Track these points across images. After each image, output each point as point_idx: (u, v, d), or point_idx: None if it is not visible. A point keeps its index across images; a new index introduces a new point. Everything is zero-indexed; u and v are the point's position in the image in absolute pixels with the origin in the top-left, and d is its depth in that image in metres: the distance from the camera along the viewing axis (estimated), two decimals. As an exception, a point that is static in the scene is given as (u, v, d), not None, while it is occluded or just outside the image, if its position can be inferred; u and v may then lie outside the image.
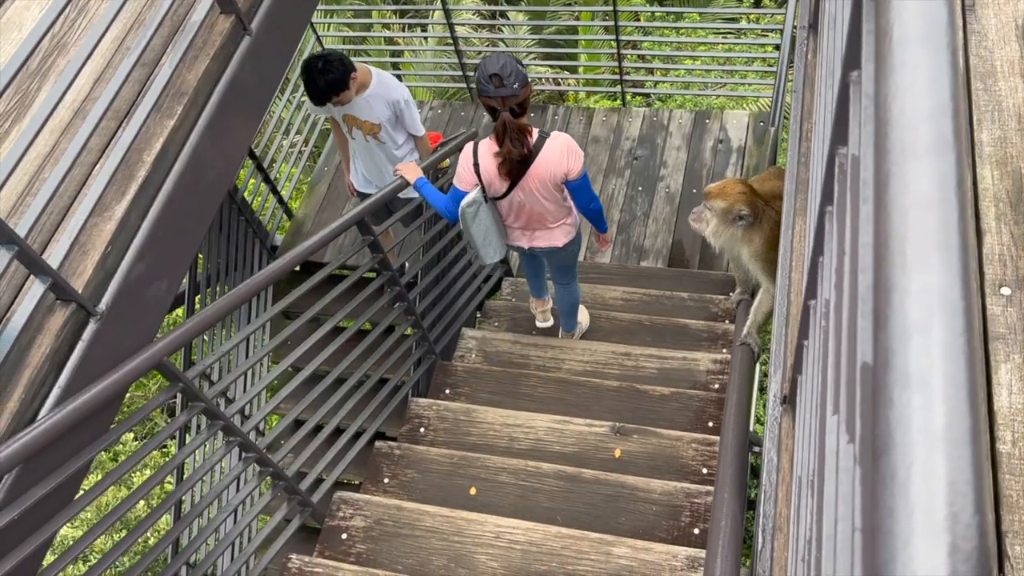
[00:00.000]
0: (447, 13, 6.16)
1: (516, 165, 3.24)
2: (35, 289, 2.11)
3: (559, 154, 3.28)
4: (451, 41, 6.55)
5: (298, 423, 4.60)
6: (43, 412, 2.07)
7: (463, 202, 3.39)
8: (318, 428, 3.46)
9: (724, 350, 4.31)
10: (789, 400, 1.66)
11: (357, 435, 3.69)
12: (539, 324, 4.58)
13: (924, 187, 0.59)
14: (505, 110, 3.08)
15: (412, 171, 3.64)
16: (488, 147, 3.28)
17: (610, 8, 5.61)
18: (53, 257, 2.15)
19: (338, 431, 3.61)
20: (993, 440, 1.57)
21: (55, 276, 2.07)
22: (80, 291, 2.16)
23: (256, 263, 5.97)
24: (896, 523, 0.47)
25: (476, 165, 3.31)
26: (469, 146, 3.37)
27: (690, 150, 5.84)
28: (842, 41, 1.50)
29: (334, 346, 3.34)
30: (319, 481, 3.46)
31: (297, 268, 5.91)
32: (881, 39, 0.69)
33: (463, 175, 3.37)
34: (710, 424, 3.77)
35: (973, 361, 0.52)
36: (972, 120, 1.98)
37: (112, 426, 2.32)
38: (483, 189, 3.39)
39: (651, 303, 4.80)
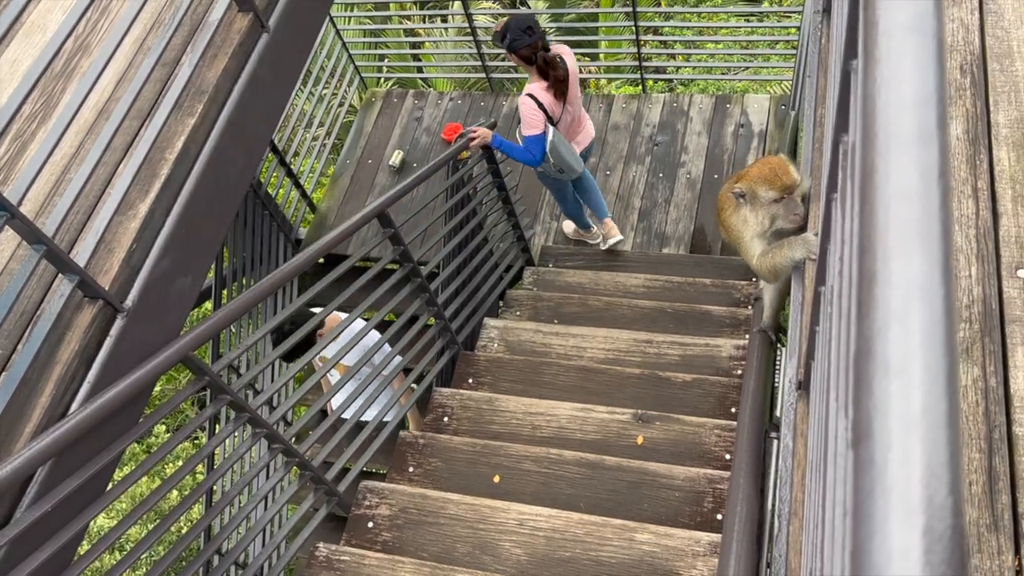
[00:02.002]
0: (465, 4, 6.17)
1: (561, 84, 4.00)
2: (63, 287, 2.17)
3: (570, 55, 4.11)
4: (470, 32, 6.56)
5: (324, 414, 4.66)
6: (74, 407, 2.13)
7: (552, 136, 4.07)
8: (343, 419, 3.51)
9: (747, 336, 4.30)
10: (804, 386, 1.67)
11: (381, 426, 3.74)
12: (612, 241, 5.06)
13: (906, 177, 0.60)
14: (541, 50, 3.91)
15: (485, 132, 4.20)
16: (539, 87, 4.01)
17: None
18: (80, 255, 2.20)
19: (361, 423, 3.66)
20: (1009, 422, 1.57)
21: (83, 274, 2.12)
22: (107, 288, 2.22)
23: (281, 256, 6.05)
24: (874, 504, 0.49)
25: (540, 105, 4.00)
26: (529, 98, 4.02)
27: (711, 135, 5.81)
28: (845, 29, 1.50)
29: (359, 336, 3.39)
30: (345, 471, 3.51)
31: (321, 260, 5.99)
32: (869, 29, 0.70)
33: (533, 120, 4.04)
34: (732, 410, 3.77)
35: (951, 348, 0.53)
36: (988, 101, 1.96)
37: (141, 419, 2.38)
38: (551, 122, 4.08)
39: (673, 290, 4.79)
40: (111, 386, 2.18)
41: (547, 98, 4.02)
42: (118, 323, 2.25)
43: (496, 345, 4.48)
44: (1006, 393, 1.59)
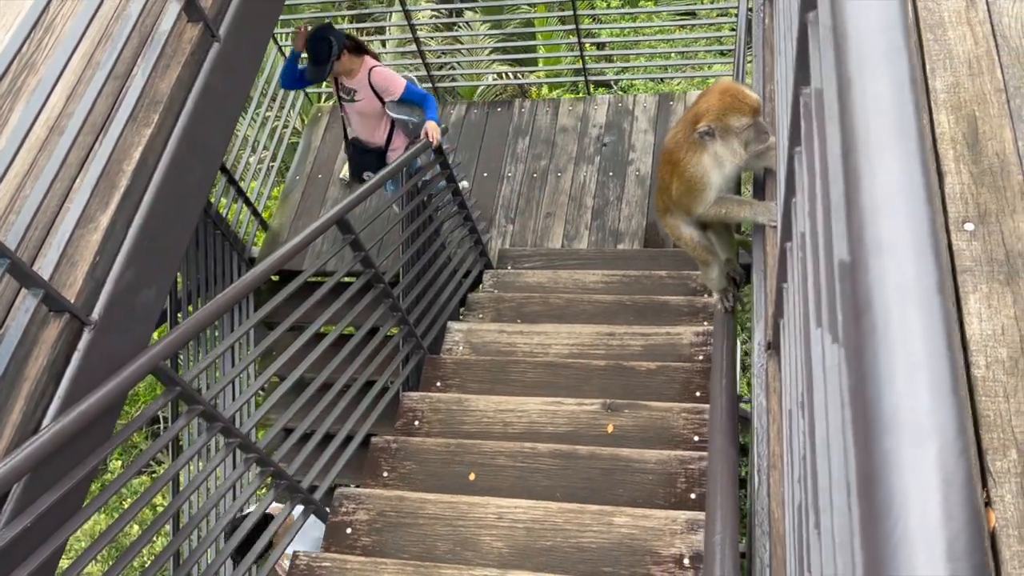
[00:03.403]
0: (407, 15, 6.21)
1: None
2: (28, 303, 2.13)
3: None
4: (412, 42, 6.60)
5: (287, 431, 4.62)
6: (46, 422, 2.10)
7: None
8: (308, 435, 3.49)
9: (705, 323, 4.39)
10: (773, 345, 1.73)
11: (348, 440, 3.72)
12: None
13: (881, 87, 0.65)
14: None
15: (431, 125, 4.42)
16: (374, 63, 4.65)
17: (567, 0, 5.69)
18: (43, 270, 2.17)
19: (328, 437, 3.63)
20: (968, 365, 1.65)
21: (47, 288, 2.10)
22: (72, 301, 2.19)
23: (235, 276, 5.98)
24: (879, 364, 0.53)
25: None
26: (383, 68, 4.63)
27: (657, 133, 5.93)
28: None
29: (317, 353, 3.37)
30: (321, 478, 3.50)
31: (277, 278, 5.95)
32: (833, -34, 0.76)
33: (398, 78, 4.64)
34: (697, 394, 3.85)
35: (935, 227, 0.59)
36: (925, 69, 2.07)
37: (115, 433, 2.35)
38: None
39: (630, 283, 4.87)
40: (82, 400, 2.15)
41: None
42: (85, 336, 2.23)
43: (461, 348, 4.50)
44: (963, 339, 1.67)
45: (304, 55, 4.52)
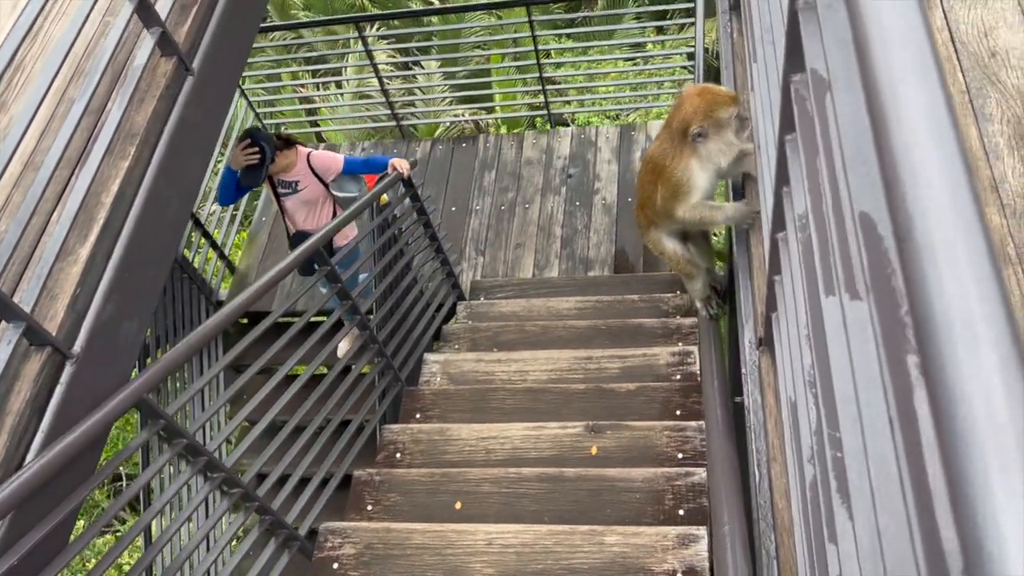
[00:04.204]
0: (370, 55, 6.28)
1: None
2: (9, 335, 2.09)
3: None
4: (375, 82, 6.66)
5: (261, 477, 4.52)
6: (29, 457, 2.05)
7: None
8: (285, 478, 3.41)
9: (680, 343, 4.43)
10: (765, 341, 1.76)
11: (326, 480, 3.65)
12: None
13: (898, 24, 0.69)
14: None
15: (399, 161, 4.41)
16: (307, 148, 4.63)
17: (524, 38, 5.80)
18: (23, 303, 2.13)
19: (306, 480, 3.56)
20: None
21: (29, 320, 2.06)
22: (54, 334, 2.15)
23: (203, 319, 5.91)
24: (927, 279, 0.55)
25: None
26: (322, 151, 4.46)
27: (620, 162, 6.03)
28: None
29: (289, 394, 3.30)
30: (305, 514, 3.43)
31: (245, 320, 5.89)
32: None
33: (334, 155, 4.57)
34: (678, 412, 3.87)
35: (960, 144, 0.62)
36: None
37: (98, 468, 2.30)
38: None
39: (604, 308, 4.91)
40: (66, 434, 2.11)
41: None
42: (68, 370, 2.19)
43: (439, 379, 4.48)
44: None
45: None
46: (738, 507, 1.92)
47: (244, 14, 3.10)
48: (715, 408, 2.33)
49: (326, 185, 4.55)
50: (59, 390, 2.15)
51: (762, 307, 1.79)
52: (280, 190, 4.59)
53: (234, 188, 4.48)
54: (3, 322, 2.09)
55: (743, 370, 2.03)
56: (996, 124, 1.95)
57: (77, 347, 2.22)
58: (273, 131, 7.02)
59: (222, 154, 6.22)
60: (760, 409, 1.75)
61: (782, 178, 1.38)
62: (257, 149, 4.25)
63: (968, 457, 0.46)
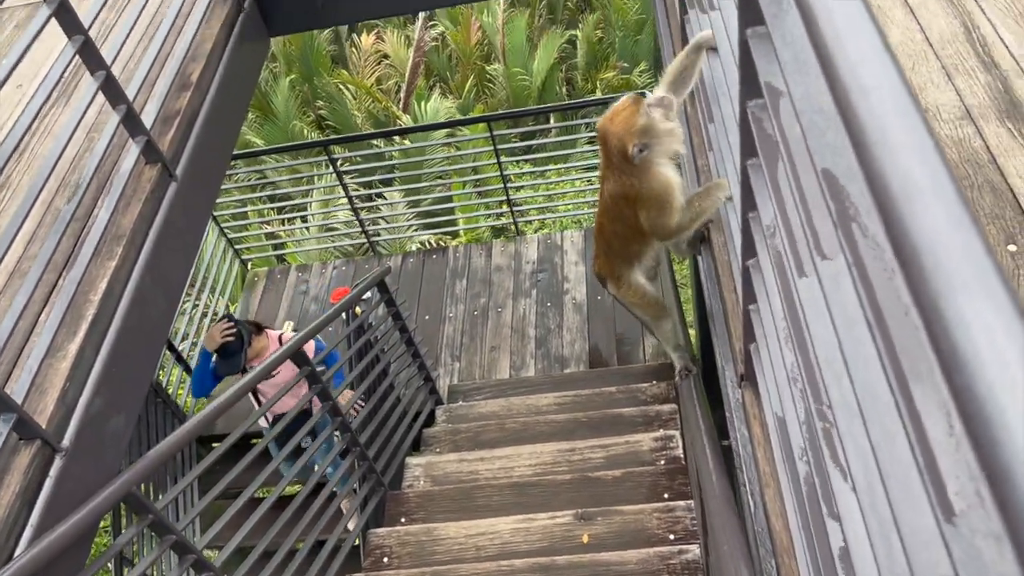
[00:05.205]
0: (340, 176, 6.50)
1: None
2: (-1, 429, 2.09)
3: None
4: (341, 212, 6.86)
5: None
6: (18, 550, 2.01)
7: None
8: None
9: (661, 429, 4.47)
10: (747, 376, 1.83)
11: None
12: None
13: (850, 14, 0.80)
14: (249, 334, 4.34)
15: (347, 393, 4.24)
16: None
17: (485, 159, 6.07)
18: (13, 397, 2.14)
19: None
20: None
21: (20, 412, 2.07)
22: (44, 428, 2.15)
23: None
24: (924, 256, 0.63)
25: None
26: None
27: (587, 262, 6.21)
28: (727, 35, 1.80)
29: (258, 516, 3.21)
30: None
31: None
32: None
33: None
34: (665, 496, 3.87)
35: (909, 93, 0.72)
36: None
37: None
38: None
39: (583, 402, 4.95)
40: (56, 526, 2.08)
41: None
42: (57, 463, 2.18)
43: (422, 481, 4.44)
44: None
45: (215, 354, 4.36)
46: (735, 531, 1.93)
47: (224, 124, 3.26)
48: (705, 451, 2.36)
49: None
50: (48, 483, 2.13)
51: (740, 343, 1.87)
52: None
53: (211, 376, 4.37)
54: (-7, 416, 2.09)
55: (728, 413, 2.09)
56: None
57: (66, 440, 2.22)
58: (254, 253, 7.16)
59: (188, 295, 6.28)
60: (748, 442, 1.80)
61: (748, 204, 1.49)
62: (233, 325, 4.21)
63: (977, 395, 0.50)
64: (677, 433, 4.29)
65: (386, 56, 12.05)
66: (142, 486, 2.56)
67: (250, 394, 4.45)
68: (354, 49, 12.16)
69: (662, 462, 4.14)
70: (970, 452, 0.52)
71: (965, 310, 0.54)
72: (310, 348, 4.36)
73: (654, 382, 5.02)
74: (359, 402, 4.36)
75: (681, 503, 3.66)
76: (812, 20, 0.82)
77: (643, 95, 2.38)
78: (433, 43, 12.36)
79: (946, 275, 0.57)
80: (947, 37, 2.42)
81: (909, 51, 2.43)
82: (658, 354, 5.47)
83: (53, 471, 2.16)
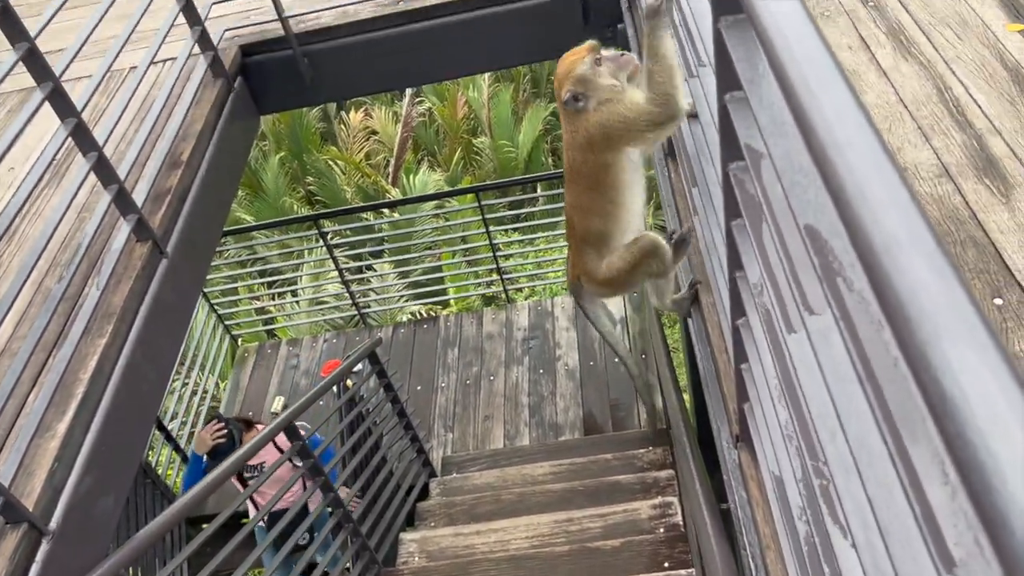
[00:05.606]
0: (330, 249, 6.54)
1: None
2: (-16, 514, 2.05)
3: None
4: (331, 285, 6.88)
5: None
6: (3, 641, 1.95)
7: None
8: None
9: (659, 496, 4.41)
10: (742, 437, 1.82)
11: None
12: None
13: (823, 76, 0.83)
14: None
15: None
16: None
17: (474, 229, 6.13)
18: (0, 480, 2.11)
19: None
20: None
21: (7, 495, 2.03)
22: (31, 510, 2.11)
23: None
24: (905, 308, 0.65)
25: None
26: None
27: (578, 329, 6.22)
28: (707, 101, 1.85)
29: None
30: None
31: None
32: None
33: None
34: (666, 564, 3.80)
35: (885, 149, 0.75)
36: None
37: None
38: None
39: (579, 470, 4.89)
40: (42, 614, 2.02)
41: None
42: (44, 547, 2.13)
43: (417, 558, 4.35)
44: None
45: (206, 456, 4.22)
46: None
47: (214, 201, 3.29)
48: (704, 517, 2.33)
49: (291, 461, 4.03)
50: (35, 568, 2.08)
51: (734, 404, 1.86)
52: (246, 475, 4.34)
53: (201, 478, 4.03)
54: (-21, 500, 2.05)
55: (725, 476, 2.07)
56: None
57: (54, 523, 2.18)
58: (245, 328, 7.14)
59: (178, 373, 6.23)
60: (747, 504, 1.78)
61: (735, 265, 1.51)
62: (224, 426, 4.14)
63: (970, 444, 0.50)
64: (676, 499, 4.24)
65: (374, 132, 12.25)
66: (131, 569, 2.52)
67: (236, 480, 4.38)
68: (343, 126, 12.36)
69: (661, 530, 4.08)
70: (966, 500, 0.52)
71: (951, 357, 0.54)
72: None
73: (650, 448, 4.98)
74: (356, 498, 4.27)
75: (682, 572, 3.59)
76: (787, 83, 0.85)
77: (605, 45, 2.19)
78: (420, 118, 12.59)
79: (931, 323, 0.57)
80: (921, 99, 2.49)
81: (885, 113, 2.49)
82: (653, 419, 5.44)
83: (40, 555, 2.11)
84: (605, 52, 2.17)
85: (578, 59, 2.15)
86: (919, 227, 0.63)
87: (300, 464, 3.91)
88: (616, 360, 5.68)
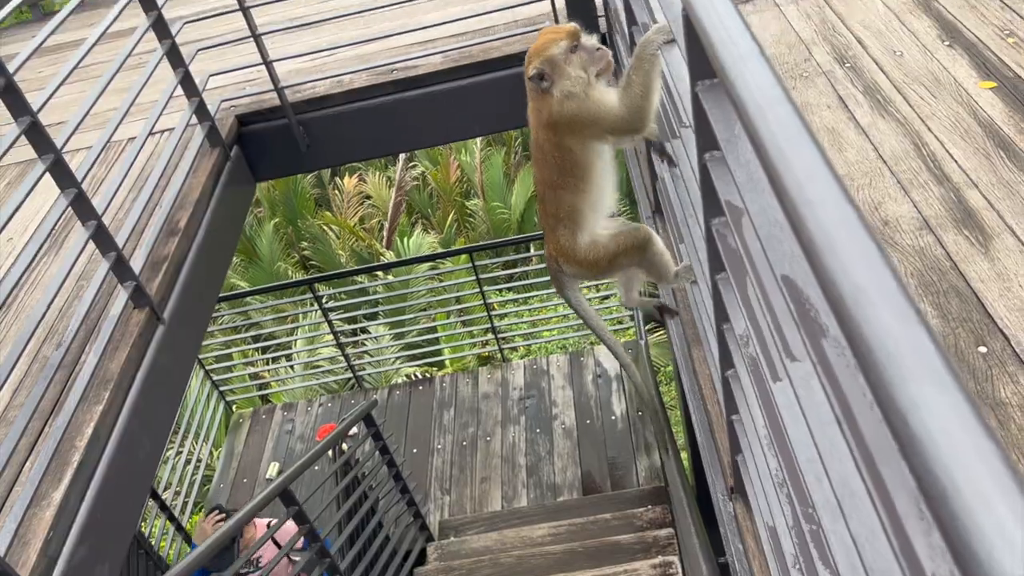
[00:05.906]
0: (325, 312, 6.57)
1: None
2: (-21, 585, 2.04)
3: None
4: (325, 349, 6.91)
5: None
6: None
7: None
8: None
9: (659, 556, 4.36)
10: (736, 488, 1.84)
11: None
12: None
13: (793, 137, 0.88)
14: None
15: None
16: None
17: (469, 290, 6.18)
18: (-6, 551, 2.10)
19: None
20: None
21: (3, 565, 2.02)
22: (25, 581, 2.10)
23: (161, 599, 5.59)
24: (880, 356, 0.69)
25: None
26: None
27: (574, 387, 6.23)
28: (690, 165, 1.90)
29: None
30: None
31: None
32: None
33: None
34: (668, 624, 3.75)
35: (851, 203, 0.79)
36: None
37: None
38: None
39: (578, 531, 4.85)
40: None
41: None
42: (38, 618, 2.11)
43: (416, 624, 4.27)
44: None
45: None
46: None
47: (211, 267, 3.33)
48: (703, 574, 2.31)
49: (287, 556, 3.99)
50: (28, 641, 2.06)
51: (727, 456, 1.88)
52: (242, 570, 4.19)
53: (204, 573, 4.02)
54: (-27, 571, 2.04)
55: (721, 529, 2.07)
56: (903, 278, 2.20)
57: (47, 594, 2.16)
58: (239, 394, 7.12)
59: (172, 442, 6.21)
60: (743, 556, 1.78)
61: (721, 317, 1.55)
62: (225, 517, 4.04)
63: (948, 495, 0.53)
64: (676, 559, 4.19)
65: (368, 196, 12.40)
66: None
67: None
68: (337, 191, 12.52)
69: (662, 589, 4.03)
70: (939, 534, 0.55)
71: (916, 397, 0.57)
72: (261, 526, 4.21)
73: (649, 506, 4.94)
74: None
75: (685, 631, 3.54)
76: (760, 144, 0.90)
77: (587, 32, 2.14)
78: (414, 182, 12.77)
79: (897, 366, 0.61)
80: (899, 154, 2.56)
81: (865, 168, 2.56)
82: (651, 477, 5.41)
83: (34, 628, 2.09)
84: (585, 39, 2.12)
85: (554, 40, 2.09)
86: (883, 275, 0.67)
87: (298, 559, 3.87)
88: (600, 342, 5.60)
